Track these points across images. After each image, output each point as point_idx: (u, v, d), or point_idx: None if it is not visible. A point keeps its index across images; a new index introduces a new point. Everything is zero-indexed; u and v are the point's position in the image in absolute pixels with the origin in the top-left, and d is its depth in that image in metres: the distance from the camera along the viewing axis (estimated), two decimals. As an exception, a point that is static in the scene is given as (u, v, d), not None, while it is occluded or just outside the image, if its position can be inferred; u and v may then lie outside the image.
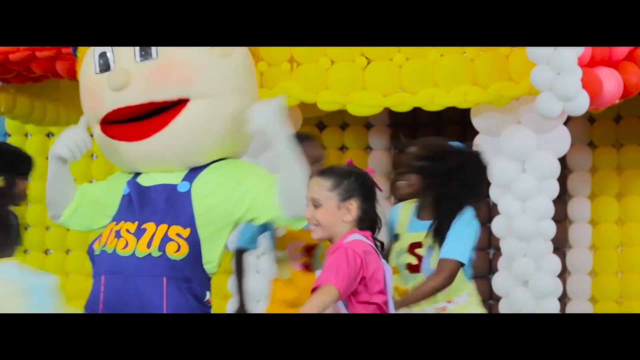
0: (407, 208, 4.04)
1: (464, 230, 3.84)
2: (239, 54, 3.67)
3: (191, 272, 3.49)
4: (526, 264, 4.70)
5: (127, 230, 3.52)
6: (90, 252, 3.63)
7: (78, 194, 3.74)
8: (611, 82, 4.55)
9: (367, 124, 6.37)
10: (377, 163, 6.31)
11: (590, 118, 6.04)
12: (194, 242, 3.49)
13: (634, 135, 6.02)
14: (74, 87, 5.74)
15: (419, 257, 3.91)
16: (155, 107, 3.56)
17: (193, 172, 3.61)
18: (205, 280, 3.54)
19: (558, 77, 4.28)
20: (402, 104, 4.75)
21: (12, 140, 7.03)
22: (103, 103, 3.60)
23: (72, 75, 4.80)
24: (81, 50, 3.75)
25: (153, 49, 3.53)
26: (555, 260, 4.81)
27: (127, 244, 3.49)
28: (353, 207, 3.13)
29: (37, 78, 5.58)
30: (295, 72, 4.81)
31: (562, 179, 5.37)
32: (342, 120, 6.36)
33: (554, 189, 4.77)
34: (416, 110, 4.93)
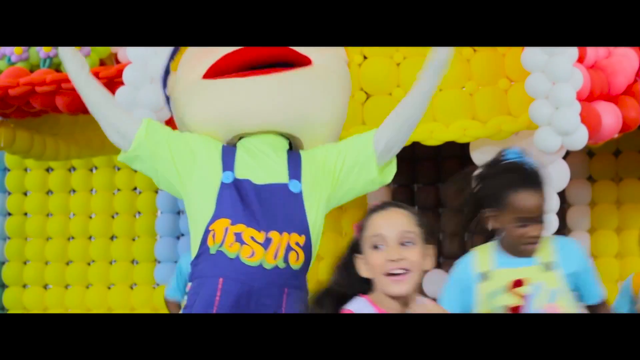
0: (484, 247, 3.58)
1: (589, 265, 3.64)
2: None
3: (304, 280, 3.50)
4: (526, 298, 4.68)
5: (253, 238, 3.45)
6: (203, 248, 3.52)
7: (141, 135, 3.60)
8: (610, 117, 4.55)
9: (366, 158, 6.35)
10: (376, 198, 6.30)
11: (589, 152, 6.05)
12: (308, 249, 3.50)
13: (633, 170, 6.02)
14: (74, 121, 5.80)
15: (522, 297, 3.43)
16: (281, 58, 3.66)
17: (293, 165, 3.60)
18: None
19: (557, 111, 4.29)
20: (401, 138, 4.74)
21: (11, 175, 7.01)
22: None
23: (72, 110, 4.81)
24: None
25: None
26: (556, 295, 4.79)
27: (253, 253, 3.44)
28: None
29: (37, 113, 5.59)
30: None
31: (562, 213, 5.37)
32: (341, 154, 6.35)
33: (553, 224, 4.76)
34: (415, 145, 4.91)
